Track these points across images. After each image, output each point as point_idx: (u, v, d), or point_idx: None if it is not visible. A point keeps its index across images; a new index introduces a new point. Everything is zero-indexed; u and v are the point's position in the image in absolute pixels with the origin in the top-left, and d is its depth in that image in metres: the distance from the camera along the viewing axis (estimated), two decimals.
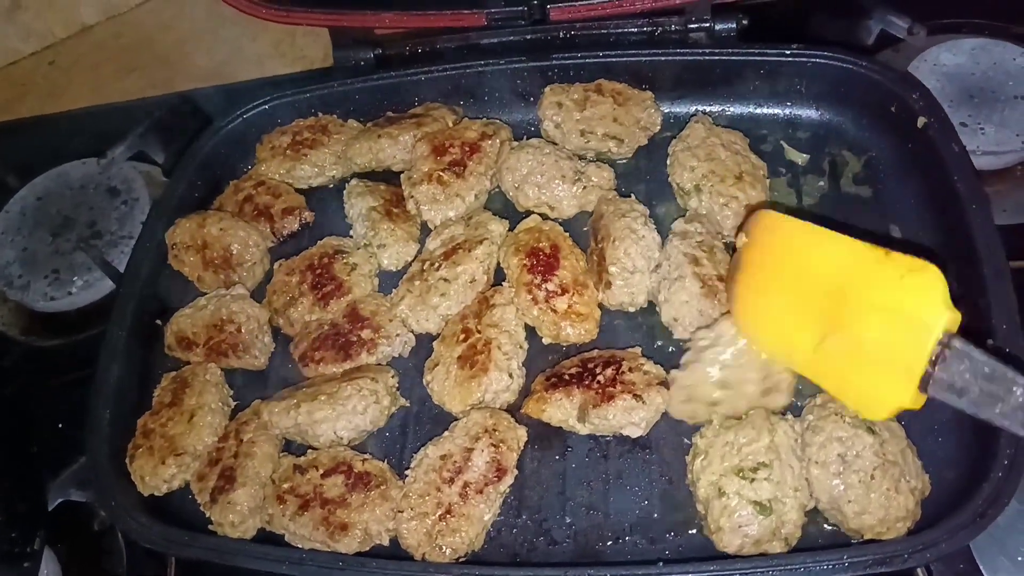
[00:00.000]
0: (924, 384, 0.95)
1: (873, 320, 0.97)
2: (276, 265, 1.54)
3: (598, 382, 1.27)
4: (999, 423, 0.92)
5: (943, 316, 0.93)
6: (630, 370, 1.28)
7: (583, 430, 1.28)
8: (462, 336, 1.37)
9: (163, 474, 1.35)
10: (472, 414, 1.28)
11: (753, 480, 1.13)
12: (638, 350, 1.33)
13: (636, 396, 1.24)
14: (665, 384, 1.27)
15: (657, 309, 1.37)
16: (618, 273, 1.37)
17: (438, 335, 1.42)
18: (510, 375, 1.32)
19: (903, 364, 0.94)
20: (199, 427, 1.37)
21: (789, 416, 1.22)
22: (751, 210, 1.37)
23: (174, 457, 1.35)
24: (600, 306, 1.40)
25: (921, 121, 1.39)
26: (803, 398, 1.24)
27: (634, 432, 1.25)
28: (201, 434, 1.37)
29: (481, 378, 1.30)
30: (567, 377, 1.30)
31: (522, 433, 1.28)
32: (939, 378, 0.93)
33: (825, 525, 1.19)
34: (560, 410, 1.28)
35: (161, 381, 1.47)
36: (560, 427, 1.30)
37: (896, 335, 0.95)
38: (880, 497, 1.11)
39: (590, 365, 1.31)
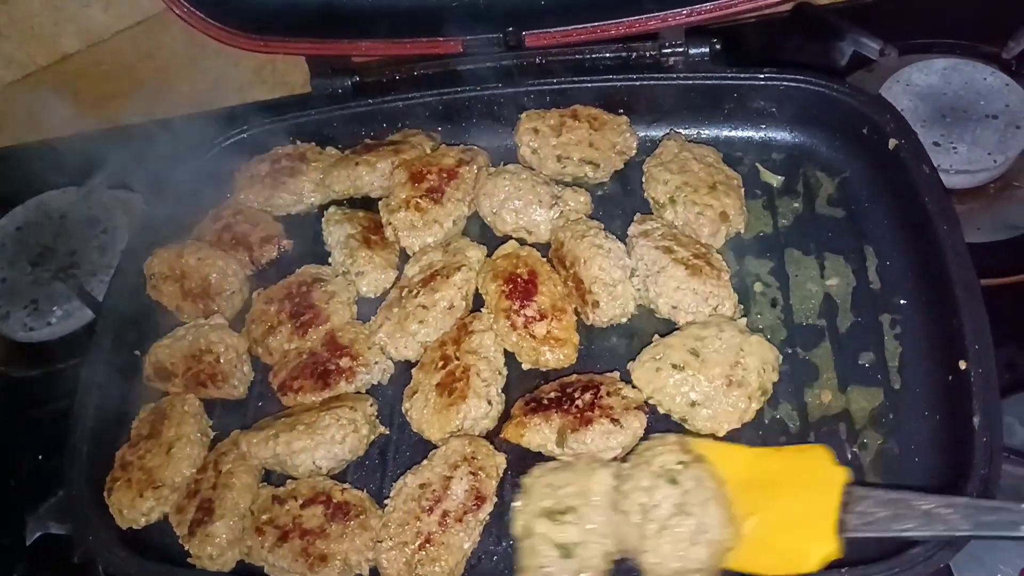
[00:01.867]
0: (841, 528, 1.08)
1: (787, 496, 1.12)
2: (255, 294, 1.54)
3: (576, 407, 1.27)
4: (911, 536, 1.07)
5: (840, 473, 1.11)
6: (608, 394, 1.28)
7: (562, 455, 1.28)
8: (440, 363, 1.37)
9: (141, 507, 1.34)
10: (451, 442, 1.28)
11: (559, 523, 1.14)
12: (616, 375, 1.33)
13: (614, 420, 1.25)
14: (642, 408, 1.27)
15: (651, 307, 1.39)
16: (601, 290, 1.37)
17: (417, 362, 1.42)
18: (489, 402, 1.32)
19: (820, 518, 1.09)
20: (177, 459, 1.37)
21: (618, 463, 1.21)
22: (724, 216, 1.43)
23: (152, 490, 1.34)
24: (591, 328, 1.40)
25: (893, 143, 1.41)
26: None
27: (610, 456, 1.25)
28: (179, 466, 1.36)
29: (459, 405, 1.30)
30: (546, 402, 1.30)
31: (501, 460, 1.28)
32: (850, 519, 1.08)
33: None
34: (539, 435, 1.28)
35: (140, 412, 1.47)
36: (540, 452, 1.30)
37: (806, 506, 1.11)
38: (673, 548, 1.10)
39: (568, 390, 1.31)
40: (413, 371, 1.41)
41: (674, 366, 1.28)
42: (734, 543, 1.11)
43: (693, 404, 1.27)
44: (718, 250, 1.44)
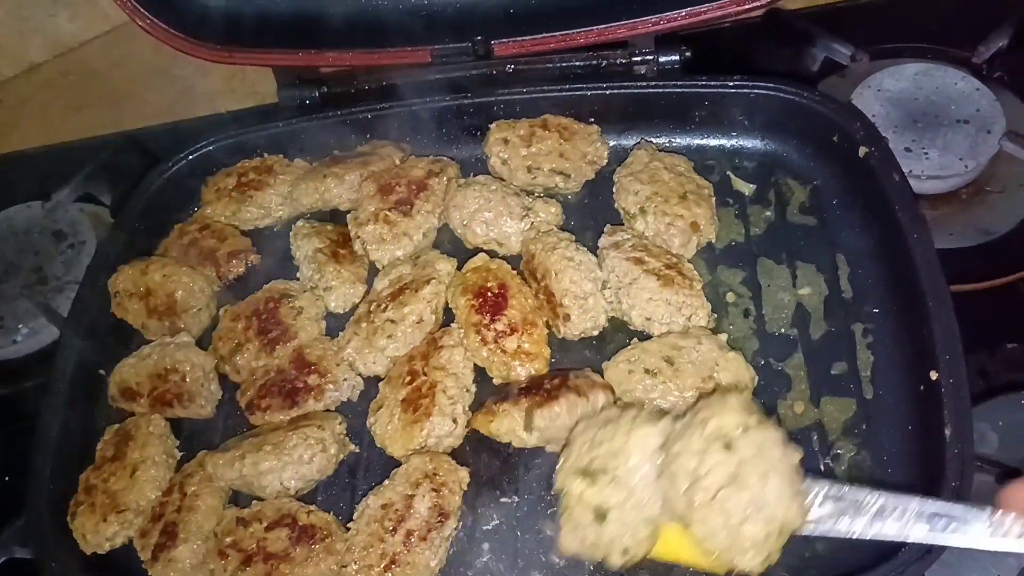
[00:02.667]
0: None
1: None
2: (222, 311, 1.52)
3: (545, 390, 1.26)
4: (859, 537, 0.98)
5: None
6: (576, 378, 1.28)
7: (531, 441, 1.26)
8: (408, 378, 1.35)
9: (105, 532, 1.31)
10: (412, 459, 1.26)
11: (595, 483, 1.04)
12: (587, 370, 1.33)
13: (579, 393, 1.24)
14: (609, 388, 1.27)
15: (624, 319, 1.38)
16: (572, 303, 1.36)
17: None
18: (454, 420, 1.30)
19: None
20: (141, 482, 1.34)
21: (670, 419, 1.10)
22: (695, 226, 1.42)
23: (116, 514, 1.32)
24: (562, 340, 1.39)
25: (863, 151, 1.40)
26: None
27: None
28: (144, 489, 1.34)
29: (424, 423, 1.29)
30: (516, 391, 1.29)
31: (464, 475, 1.26)
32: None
33: None
34: (507, 420, 1.26)
35: (104, 434, 1.44)
36: (510, 462, 1.28)
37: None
38: (724, 521, 0.98)
39: (538, 380, 1.30)
40: (380, 385, 1.39)
41: (647, 371, 1.27)
42: (797, 523, 0.98)
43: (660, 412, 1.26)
44: (690, 259, 1.43)
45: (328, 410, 1.40)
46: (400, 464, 1.29)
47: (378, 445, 1.33)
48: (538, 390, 1.26)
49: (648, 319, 1.35)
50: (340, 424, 1.36)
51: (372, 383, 1.42)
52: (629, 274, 1.35)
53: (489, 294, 1.39)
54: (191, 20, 1.64)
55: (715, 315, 1.37)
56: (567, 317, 1.36)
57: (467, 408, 1.33)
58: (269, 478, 1.28)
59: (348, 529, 1.25)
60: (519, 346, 1.36)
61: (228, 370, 1.47)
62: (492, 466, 1.31)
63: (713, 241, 1.46)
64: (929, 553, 1.07)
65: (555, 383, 1.26)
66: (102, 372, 1.50)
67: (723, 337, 1.31)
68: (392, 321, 1.40)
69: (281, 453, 1.29)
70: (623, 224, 1.49)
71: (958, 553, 1.20)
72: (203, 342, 1.51)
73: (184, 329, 1.50)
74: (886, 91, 1.74)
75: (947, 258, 1.28)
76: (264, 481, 1.29)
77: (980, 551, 1.19)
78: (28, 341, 1.78)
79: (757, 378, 1.29)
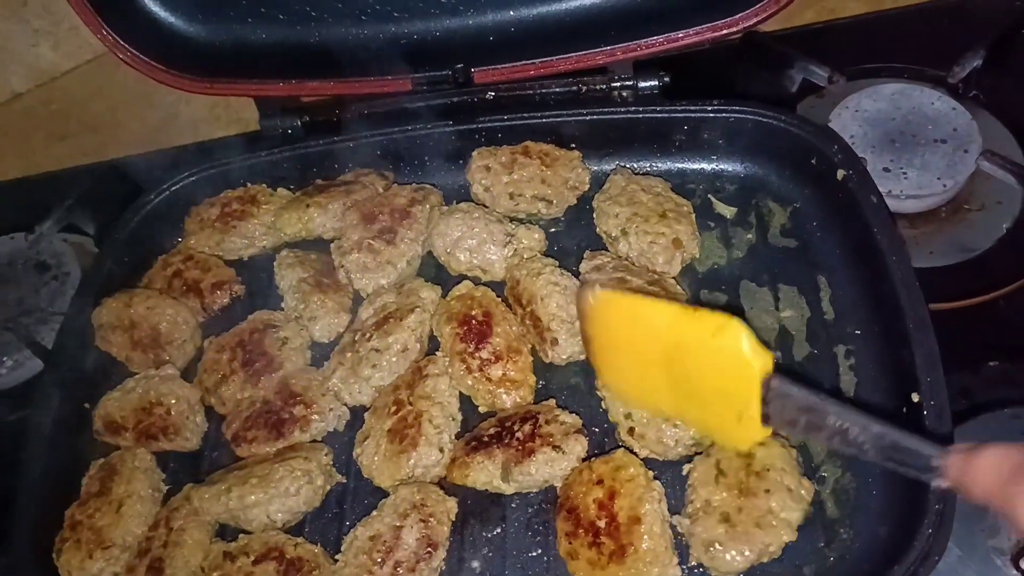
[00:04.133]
0: (766, 420, 0.97)
1: (706, 375, 1.00)
2: (207, 342, 1.52)
3: (517, 439, 1.27)
4: (832, 447, 0.98)
5: (755, 364, 0.95)
6: (547, 422, 1.28)
7: (509, 489, 1.27)
8: (393, 408, 1.35)
9: (91, 568, 1.30)
10: (399, 490, 1.26)
11: None
12: (552, 402, 1.34)
13: (555, 447, 1.25)
14: (581, 432, 1.28)
15: None
16: (559, 327, 1.37)
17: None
18: (440, 449, 1.30)
19: (742, 408, 0.97)
20: (127, 517, 1.33)
21: None
22: (677, 242, 1.43)
23: (102, 551, 1.31)
24: (549, 366, 1.40)
25: (841, 173, 1.41)
26: None
27: (559, 483, 1.26)
28: (129, 525, 1.33)
29: (410, 452, 1.29)
30: (486, 439, 1.29)
31: (452, 505, 1.26)
32: (772, 414, 0.96)
33: None
34: (483, 472, 1.27)
35: (89, 468, 1.43)
36: (487, 490, 1.29)
37: (726, 386, 0.99)
38: None
39: (507, 423, 1.30)
40: (366, 415, 1.39)
41: None
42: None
43: (627, 416, 1.28)
44: (675, 279, 1.44)
45: (315, 441, 1.40)
46: (387, 495, 1.29)
47: (365, 476, 1.33)
48: (510, 438, 1.27)
49: None
50: (326, 455, 1.35)
51: (358, 413, 1.42)
52: None
53: (474, 322, 1.40)
54: (172, 51, 1.64)
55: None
56: (555, 341, 1.37)
57: (453, 437, 1.33)
58: (255, 511, 1.28)
59: (336, 561, 1.24)
60: (504, 374, 1.36)
61: (214, 402, 1.46)
62: (480, 495, 1.30)
63: (696, 256, 1.47)
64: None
65: (526, 431, 1.27)
66: (87, 405, 1.50)
67: None
68: (377, 350, 1.40)
69: (267, 486, 1.28)
70: (605, 249, 1.50)
71: (946, 571, 1.21)
72: (188, 374, 1.51)
73: (169, 361, 1.50)
74: (864, 111, 1.75)
75: (927, 276, 1.29)
76: (251, 515, 1.28)
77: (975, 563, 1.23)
78: (11, 375, 1.77)
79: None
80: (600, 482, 1.20)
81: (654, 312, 1.06)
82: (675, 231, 1.45)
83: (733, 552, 1.14)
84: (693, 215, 1.49)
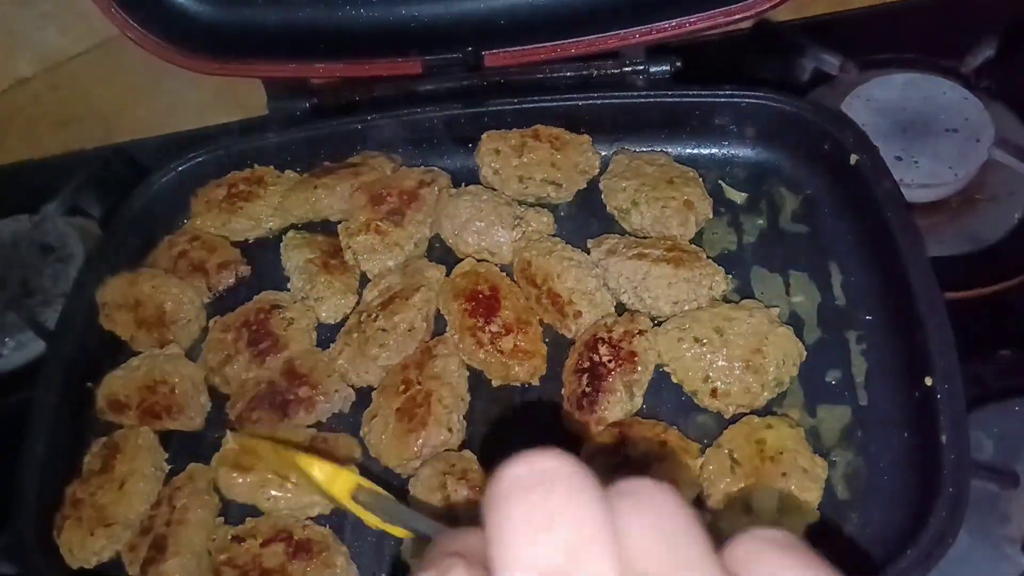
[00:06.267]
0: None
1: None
2: (211, 322, 1.50)
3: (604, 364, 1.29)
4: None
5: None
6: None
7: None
8: (402, 387, 1.34)
9: (92, 546, 1.29)
10: (421, 472, 1.25)
11: None
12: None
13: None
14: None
15: (652, 313, 1.37)
16: (581, 299, 1.36)
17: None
18: (449, 429, 1.29)
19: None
20: (130, 495, 1.32)
21: None
22: (689, 204, 1.44)
23: (103, 528, 1.29)
24: (559, 339, 1.38)
25: (854, 159, 1.40)
26: None
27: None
28: (132, 503, 1.31)
29: (419, 432, 1.27)
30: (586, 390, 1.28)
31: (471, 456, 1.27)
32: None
33: None
34: (619, 406, 1.28)
35: (92, 447, 1.42)
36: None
37: None
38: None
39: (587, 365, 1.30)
40: (374, 394, 1.38)
41: (696, 339, 1.29)
42: None
43: (706, 379, 1.28)
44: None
45: (319, 422, 1.38)
46: (394, 475, 1.27)
47: (372, 455, 1.32)
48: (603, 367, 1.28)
49: (675, 303, 1.35)
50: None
51: (365, 394, 1.41)
52: (639, 271, 1.36)
53: (481, 296, 1.38)
54: (180, 32, 1.63)
55: (730, 276, 1.40)
56: (578, 314, 1.36)
57: (461, 417, 1.32)
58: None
59: (345, 542, 1.24)
60: (515, 345, 1.35)
61: (218, 382, 1.45)
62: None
63: (710, 217, 1.47)
64: (927, 560, 1.06)
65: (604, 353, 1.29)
66: (90, 385, 1.48)
67: (775, 311, 1.32)
68: (383, 330, 1.39)
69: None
70: (618, 228, 1.49)
71: (956, 558, 1.20)
72: (193, 354, 1.49)
73: (173, 341, 1.49)
74: (875, 101, 1.74)
75: (938, 266, 1.27)
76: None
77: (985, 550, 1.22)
78: (15, 355, 1.76)
79: (806, 354, 1.30)
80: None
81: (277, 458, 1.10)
82: (684, 193, 1.44)
83: None
84: (700, 179, 1.49)
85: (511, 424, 1.35)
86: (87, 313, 1.53)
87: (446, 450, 1.29)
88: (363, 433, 1.33)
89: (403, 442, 1.28)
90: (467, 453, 1.28)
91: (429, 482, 1.22)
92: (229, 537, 1.26)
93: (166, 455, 1.41)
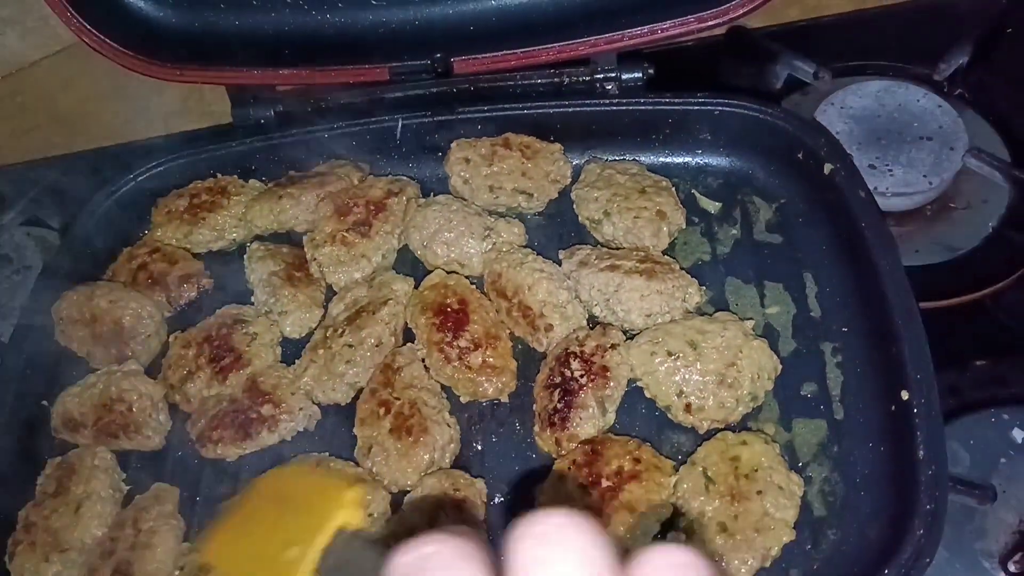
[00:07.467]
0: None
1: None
2: (172, 337, 1.46)
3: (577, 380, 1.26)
4: None
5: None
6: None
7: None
8: (382, 410, 1.29)
9: (47, 572, 1.24)
10: (425, 481, 1.21)
11: None
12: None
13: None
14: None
15: (624, 326, 1.35)
16: (552, 312, 1.34)
17: (347, 404, 1.35)
18: (448, 426, 1.27)
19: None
20: (86, 519, 1.27)
21: None
22: (662, 214, 1.42)
23: (58, 553, 1.24)
24: (530, 353, 1.36)
25: (828, 168, 1.38)
26: None
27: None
28: (88, 526, 1.27)
29: (424, 438, 1.24)
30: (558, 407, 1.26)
31: (481, 486, 1.23)
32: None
33: None
34: (590, 423, 1.25)
35: (46, 468, 1.37)
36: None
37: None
38: None
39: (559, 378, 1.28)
40: (356, 431, 1.31)
41: (669, 353, 1.26)
42: None
43: (680, 394, 1.26)
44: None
45: (284, 441, 1.34)
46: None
47: (387, 484, 1.25)
48: (575, 383, 1.26)
49: (648, 315, 1.33)
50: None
51: (334, 411, 1.37)
52: (611, 283, 1.34)
53: (449, 310, 1.35)
54: (140, 38, 1.59)
55: (703, 288, 1.37)
56: (549, 327, 1.33)
57: (449, 414, 1.30)
58: None
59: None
60: (484, 361, 1.32)
61: (179, 399, 1.40)
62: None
63: (683, 227, 1.45)
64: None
65: (576, 368, 1.27)
66: (45, 403, 1.43)
67: (749, 324, 1.30)
68: (350, 345, 1.35)
69: None
70: (590, 238, 1.47)
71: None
72: (152, 370, 1.45)
73: (132, 357, 1.44)
74: (849, 108, 1.73)
75: (913, 275, 1.26)
76: None
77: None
78: None
79: (780, 368, 1.28)
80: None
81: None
82: (657, 203, 1.42)
83: (736, 562, 1.11)
84: (673, 188, 1.47)
85: (479, 442, 1.32)
86: (42, 328, 1.48)
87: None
88: (367, 468, 1.28)
89: (413, 455, 1.24)
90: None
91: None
92: (198, 567, 1.20)
93: (124, 476, 1.36)
